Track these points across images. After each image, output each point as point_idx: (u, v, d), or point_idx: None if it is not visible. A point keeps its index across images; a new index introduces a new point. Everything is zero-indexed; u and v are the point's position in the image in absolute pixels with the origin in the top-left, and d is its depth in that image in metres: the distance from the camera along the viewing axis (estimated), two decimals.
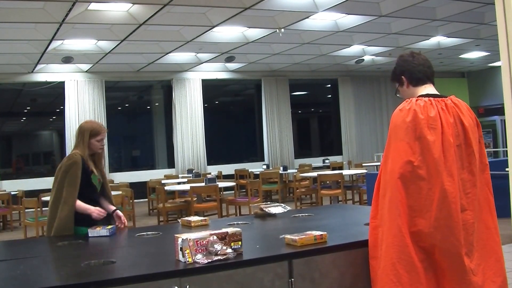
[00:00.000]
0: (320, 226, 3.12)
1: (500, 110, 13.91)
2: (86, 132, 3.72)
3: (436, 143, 2.50)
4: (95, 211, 3.63)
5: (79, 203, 3.61)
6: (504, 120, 5.55)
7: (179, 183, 10.54)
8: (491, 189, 2.74)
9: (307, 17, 9.59)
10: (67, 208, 3.57)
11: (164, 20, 9.11)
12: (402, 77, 2.75)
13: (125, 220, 3.85)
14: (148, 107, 17.22)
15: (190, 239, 2.43)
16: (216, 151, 15.61)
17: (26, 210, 8.42)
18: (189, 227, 3.55)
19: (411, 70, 2.72)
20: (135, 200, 9.82)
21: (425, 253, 2.49)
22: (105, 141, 3.93)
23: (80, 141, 3.72)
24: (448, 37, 12.27)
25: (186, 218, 3.71)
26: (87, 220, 3.60)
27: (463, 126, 2.59)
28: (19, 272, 2.48)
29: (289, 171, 12.85)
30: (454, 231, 2.47)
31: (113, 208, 3.90)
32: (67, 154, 14.01)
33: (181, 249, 2.44)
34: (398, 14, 9.67)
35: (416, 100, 2.59)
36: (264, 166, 14.21)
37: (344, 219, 3.77)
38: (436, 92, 2.71)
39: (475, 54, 14.84)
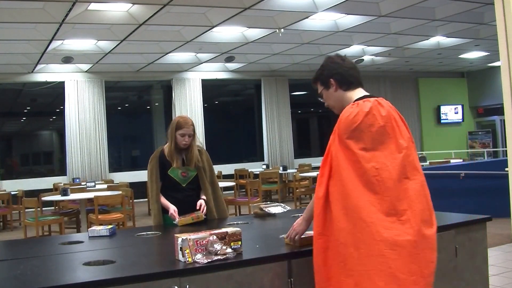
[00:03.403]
0: None
1: (499, 110, 13.92)
2: (173, 125, 3.89)
3: (400, 141, 2.44)
4: (171, 211, 3.79)
5: (162, 200, 3.88)
6: (504, 120, 5.56)
7: None
8: None
9: (307, 17, 9.60)
10: (153, 200, 3.88)
11: (164, 20, 9.12)
12: (331, 79, 2.58)
13: (204, 210, 3.85)
14: (148, 107, 17.22)
15: (190, 239, 2.44)
16: (216, 151, 15.59)
17: (26, 210, 8.41)
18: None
19: (342, 73, 2.57)
20: (135, 200, 9.83)
21: None
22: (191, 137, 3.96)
23: (169, 134, 3.92)
24: (448, 37, 12.28)
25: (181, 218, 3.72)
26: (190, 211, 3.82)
27: (405, 125, 2.56)
28: (19, 272, 2.48)
29: (288, 171, 12.86)
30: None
31: (204, 197, 3.98)
32: (67, 154, 13.90)
33: (181, 249, 2.45)
34: (397, 14, 9.68)
35: (364, 102, 2.48)
36: (264, 166, 14.21)
37: None
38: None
39: (474, 54, 14.84)
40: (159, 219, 3.84)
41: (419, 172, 2.43)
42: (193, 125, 3.89)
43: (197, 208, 3.84)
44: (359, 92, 2.58)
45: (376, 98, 2.52)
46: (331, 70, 2.60)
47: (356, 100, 2.52)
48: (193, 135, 3.88)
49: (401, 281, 2.24)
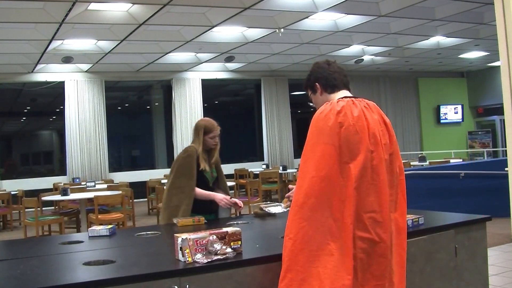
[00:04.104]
0: None
1: (499, 110, 13.90)
2: (201, 130, 4.00)
3: (367, 144, 2.42)
4: (223, 199, 3.92)
5: (200, 191, 3.92)
6: (503, 120, 5.56)
7: None
8: (405, 195, 2.58)
9: (307, 17, 9.60)
10: (184, 196, 3.87)
11: (164, 20, 9.12)
12: (316, 84, 2.65)
13: (241, 204, 4.11)
14: (148, 107, 17.23)
15: (189, 239, 2.44)
16: None
17: (26, 209, 8.41)
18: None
19: (326, 77, 2.63)
20: (135, 200, 9.83)
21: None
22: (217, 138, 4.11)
23: (196, 137, 4.01)
24: (448, 37, 12.28)
25: (182, 218, 3.70)
26: (207, 208, 3.91)
27: (386, 125, 2.54)
28: (19, 272, 2.48)
29: (288, 170, 12.85)
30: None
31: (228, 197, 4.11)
32: (67, 154, 13.88)
33: (180, 248, 2.45)
34: (397, 14, 9.67)
35: (338, 102, 2.49)
36: (264, 166, 14.21)
37: None
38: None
39: (474, 54, 14.84)
40: (188, 215, 3.87)
41: (380, 178, 2.41)
42: (218, 125, 4.07)
43: (239, 205, 4.05)
44: (342, 93, 2.61)
45: (352, 98, 2.53)
46: (316, 75, 2.67)
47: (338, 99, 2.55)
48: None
49: (345, 283, 2.28)
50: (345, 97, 2.56)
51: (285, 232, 2.44)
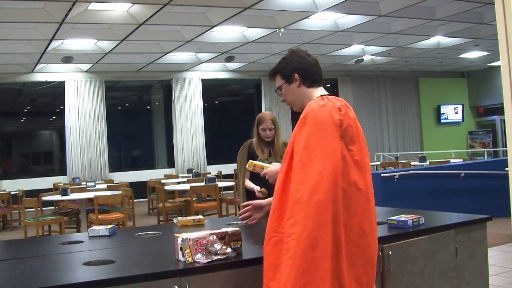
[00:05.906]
0: None
1: (499, 110, 13.89)
2: (255, 121, 4.27)
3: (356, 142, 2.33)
4: (256, 190, 4.09)
5: (247, 183, 4.19)
6: (504, 120, 5.56)
7: (179, 183, 10.56)
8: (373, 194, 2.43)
9: (307, 17, 9.60)
10: (240, 187, 4.27)
11: (164, 20, 9.12)
12: (295, 74, 2.43)
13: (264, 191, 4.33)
14: (148, 107, 17.23)
15: (190, 239, 2.44)
16: (216, 150, 15.62)
17: (26, 209, 8.41)
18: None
19: (307, 69, 2.44)
20: (135, 200, 9.83)
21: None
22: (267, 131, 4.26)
23: (253, 129, 4.29)
24: (448, 36, 12.28)
25: (182, 218, 3.69)
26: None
27: (357, 127, 2.39)
28: (19, 272, 2.47)
29: None
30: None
31: None
32: (67, 154, 13.91)
33: (181, 248, 2.44)
34: (397, 14, 9.68)
35: (331, 99, 2.36)
36: None
37: None
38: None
39: (474, 54, 14.85)
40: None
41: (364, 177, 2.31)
42: (272, 119, 4.24)
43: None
44: (321, 90, 2.46)
45: (337, 97, 2.40)
46: (295, 65, 2.45)
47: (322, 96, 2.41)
48: (274, 129, 4.21)
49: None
50: (328, 95, 2.42)
51: (284, 230, 2.24)
